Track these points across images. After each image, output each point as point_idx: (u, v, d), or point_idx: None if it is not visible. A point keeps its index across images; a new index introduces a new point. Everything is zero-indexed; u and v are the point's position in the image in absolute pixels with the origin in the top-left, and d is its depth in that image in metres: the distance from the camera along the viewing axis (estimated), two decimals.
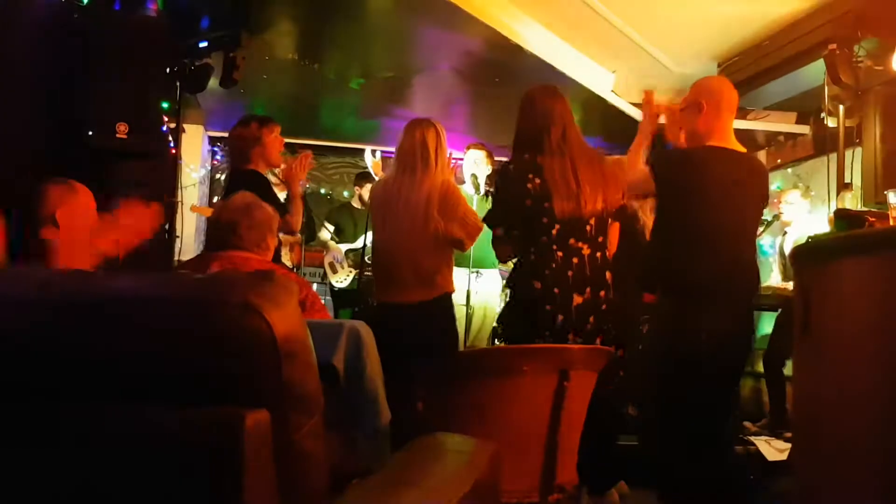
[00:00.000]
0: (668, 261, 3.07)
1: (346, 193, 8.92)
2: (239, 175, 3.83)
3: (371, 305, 3.79)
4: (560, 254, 3.11)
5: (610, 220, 3.27)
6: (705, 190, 3.00)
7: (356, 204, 6.53)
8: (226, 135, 8.65)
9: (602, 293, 3.15)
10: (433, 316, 3.50)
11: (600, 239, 3.20)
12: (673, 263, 3.05)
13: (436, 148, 3.54)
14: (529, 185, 3.13)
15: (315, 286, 5.92)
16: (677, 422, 3.00)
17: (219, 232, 2.84)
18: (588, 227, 3.15)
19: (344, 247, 6.17)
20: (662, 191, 3.08)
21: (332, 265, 6.19)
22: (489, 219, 3.35)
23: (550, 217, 3.12)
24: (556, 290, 3.09)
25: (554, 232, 3.12)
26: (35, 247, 2.72)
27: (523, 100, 3.32)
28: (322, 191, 9.12)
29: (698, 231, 2.99)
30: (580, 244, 3.13)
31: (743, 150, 3.15)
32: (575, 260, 3.11)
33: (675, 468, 3.04)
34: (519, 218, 3.20)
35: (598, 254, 3.17)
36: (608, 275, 3.17)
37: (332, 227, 6.33)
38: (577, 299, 3.08)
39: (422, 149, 3.52)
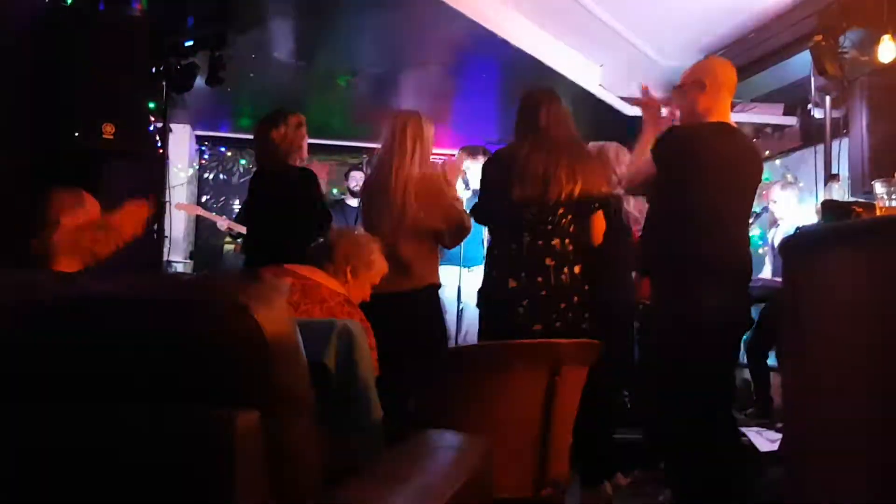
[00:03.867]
0: (664, 238, 3.07)
1: (335, 191, 8.91)
2: (294, 172, 3.82)
3: None
4: (500, 240, 3.33)
5: (580, 212, 3.31)
6: (701, 164, 3.00)
7: (349, 201, 6.55)
8: (214, 134, 8.71)
9: (539, 279, 3.20)
10: (413, 307, 3.47)
11: (545, 227, 3.25)
12: (668, 240, 3.05)
13: (414, 138, 3.54)
14: (489, 177, 3.37)
15: None
16: (676, 402, 3.00)
17: (319, 247, 2.97)
18: (530, 216, 3.24)
19: None
20: (663, 169, 3.09)
21: None
22: (473, 210, 3.56)
23: (496, 206, 3.32)
24: (493, 272, 3.31)
25: (499, 220, 3.34)
26: (35, 251, 2.73)
27: (520, 99, 3.45)
28: None
29: (693, 206, 2.99)
30: (521, 232, 3.25)
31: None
32: (513, 246, 3.25)
33: (676, 447, 3.05)
34: (487, 205, 3.42)
35: (539, 241, 3.23)
36: (549, 261, 3.22)
37: None
38: (511, 283, 3.22)
39: (400, 138, 3.55)
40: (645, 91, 3.38)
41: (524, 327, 3.12)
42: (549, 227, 3.23)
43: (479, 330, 3.47)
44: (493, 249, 3.36)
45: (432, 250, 3.61)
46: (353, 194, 6.42)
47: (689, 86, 3.14)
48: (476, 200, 3.57)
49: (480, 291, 3.41)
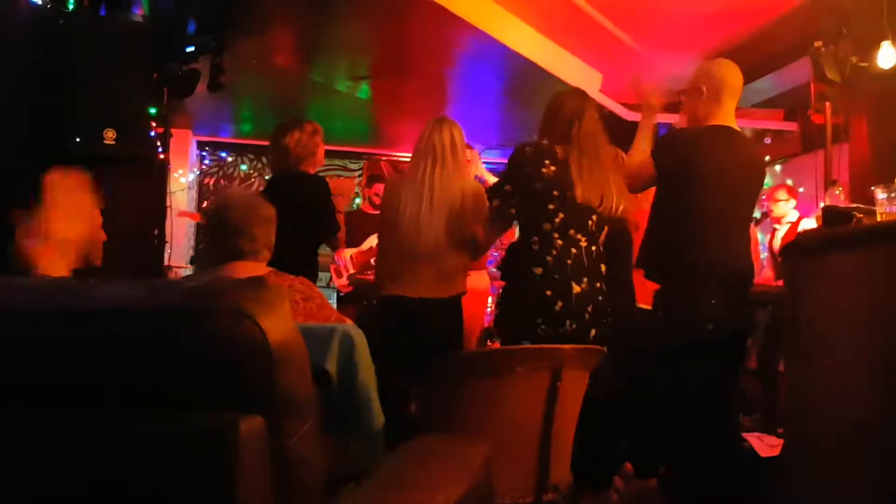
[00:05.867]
0: (665, 242, 3.06)
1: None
2: (308, 179, 3.86)
3: (378, 301, 3.67)
4: (560, 242, 3.10)
5: (609, 223, 3.27)
6: (698, 168, 2.98)
7: (366, 209, 6.52)
8: (215, 139, 8.73)
9: (598, 285, 3.15)
10: (445, 315, 3.44)
11: (598, 235, 3.21)
12: (670, 245, 3.04)
13: (462, 145, 3.51)
14: (544, 170, 3.09)
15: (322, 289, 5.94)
16: (676, 406, 2.99)
17: (227, 235, 2.56)
18: (590, 222, 3.16)
19: (349, 251, 6.19)
20: (662, 172, 3.07)
21: (336, 270, 6.22)
22: (493, 190, 3.31)
23: (558, 205, 3.10)
24: (556, 276, 3.07)
25: (557, 220, 3.10)
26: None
27: (553, 97, 3.31)
28: None
29: (695, 210, 2.97)
30: (579, 235, 3.13)
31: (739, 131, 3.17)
32: (573, 250, 3.11)
33: (676, 453, 3.04)
34: (524, 199, 3.17)
35: (594, 248, 3.18)
36: (603, 268, 3.19)
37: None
38: (576, 288, 3.08)
39: (451, 144, 3.45)
40: (636, 79, 3.36)
41: (585, 334, 3.06)
42: (600, 235, 3.21)
43: (507, 323, 3.23)
44: (548, 250, 3.10)
45: (468, 261, 3.57)
46: (373, 204, 6.38)
47: (689, 92, 3.14)
48: (500, 184, 3.31)
49: (525, 293, 3.13)
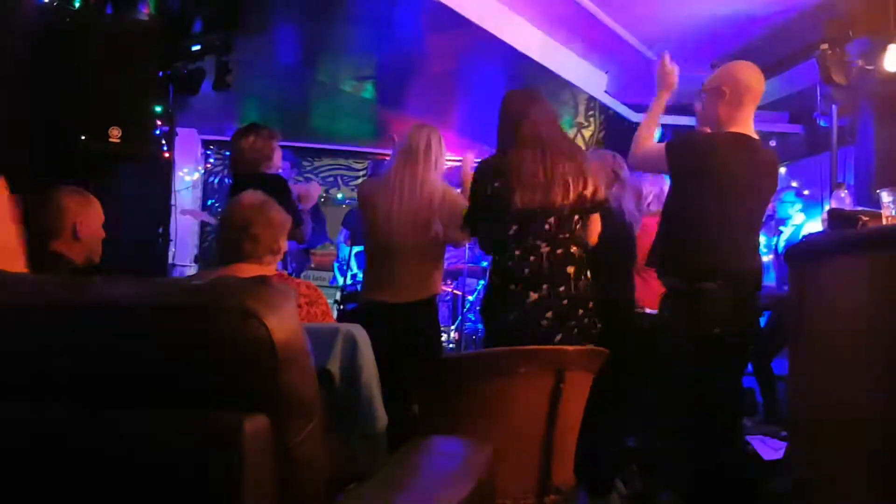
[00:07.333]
0: (678, 245, 3.04)
1: (339, 196, 8.95)
2: (264, 178, 3.90)
3: (361, 304, 3.73)
4: (518, 252, 3.07)
5: (588, 213, 3.19)
6: (714, 175, 2.96)
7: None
8: (220, 138, 8.74)
9: (562, 289, 3.06)
10: (419, 318, 3.47)
11: (564, 235, 3.10)
12: (681, 246, 3.02)
13: (438, 151, 3.52)
14: (492, 184, 3.10)
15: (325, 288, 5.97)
16: (681, 406, 2.99)
17: (231, 234, 2.57)
18: (547, 226, 3.07)
19: (355, 249, 6.22)
20: (677, 173, 3.04)
21: (340, 268, 6.26)
22: (465, 220, 3.35)
23: (509, 215, 3.07)
24: (510, 286, 3.06)
25: (511, 231, 3.08)
26: (47, 255, 2.73)
27: (501, 102, 3.29)
28: None
29: (707, 214, 2.96)
30: (538, 241, 3.06)
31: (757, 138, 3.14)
32: (532, 258, 3.06)
33: (681, 455, 3.03)
34: (485, 216, 3.19)
35: (559, 250, 3.08)
36: (570, 269, 3.08)
37: (347, 232, 6.38)
38: (533, 296, 3.03)
39: (426, 148, 3.49)
40: (664, 58, 3.32)
41: (547, 340, 2.99)
42: (568, 234, 3.10)
43: (487, 344, 3.26)
44: (504, 261, 3.11)
45: (442, 262, 3.60)
46: None
47: (709, 92, 3.09)
48: (468, 209, 3.35)
49: (488, 305, 3.18)
